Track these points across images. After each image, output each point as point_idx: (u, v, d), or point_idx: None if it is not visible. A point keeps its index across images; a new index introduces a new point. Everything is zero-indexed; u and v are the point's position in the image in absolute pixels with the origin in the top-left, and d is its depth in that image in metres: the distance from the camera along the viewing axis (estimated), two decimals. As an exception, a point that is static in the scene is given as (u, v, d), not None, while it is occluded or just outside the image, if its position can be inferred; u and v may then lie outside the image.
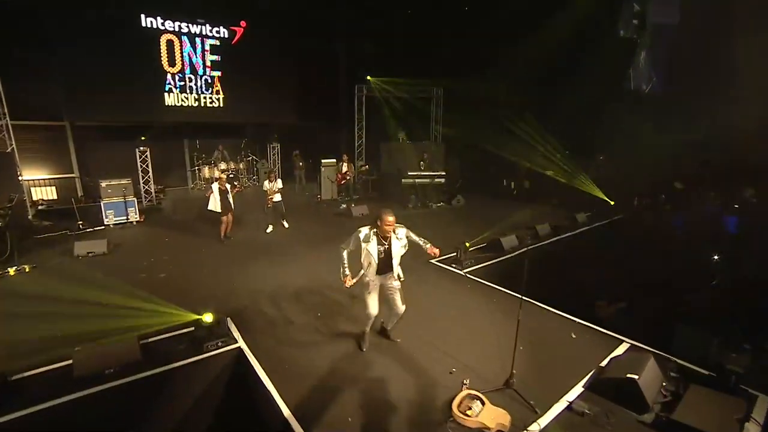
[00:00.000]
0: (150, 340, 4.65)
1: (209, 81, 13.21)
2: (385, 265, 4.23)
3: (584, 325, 5.18)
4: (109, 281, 6.28)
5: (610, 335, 4.91)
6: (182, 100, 12.79)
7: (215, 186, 8.32)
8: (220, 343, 4.51)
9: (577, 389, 3.90)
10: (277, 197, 9.12)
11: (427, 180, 11.68)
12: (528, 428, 3.38)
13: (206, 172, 11.49)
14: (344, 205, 11.86)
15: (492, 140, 13.52)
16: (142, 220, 9.97)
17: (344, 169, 11.58)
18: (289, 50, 14.20)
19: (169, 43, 12.38)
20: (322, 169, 12.91)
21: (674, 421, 3.26)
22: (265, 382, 3.97)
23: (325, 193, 13.09)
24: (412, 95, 14.38)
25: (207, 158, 11.69)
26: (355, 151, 14.82)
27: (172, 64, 12.53)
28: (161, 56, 12.26)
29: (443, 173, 11.71)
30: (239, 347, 4.55)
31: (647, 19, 11.98)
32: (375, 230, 4.13)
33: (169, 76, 12.49)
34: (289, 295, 5.96)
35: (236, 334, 4.77)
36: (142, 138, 11.73)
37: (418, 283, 6.37)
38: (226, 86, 13.43)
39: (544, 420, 3.49)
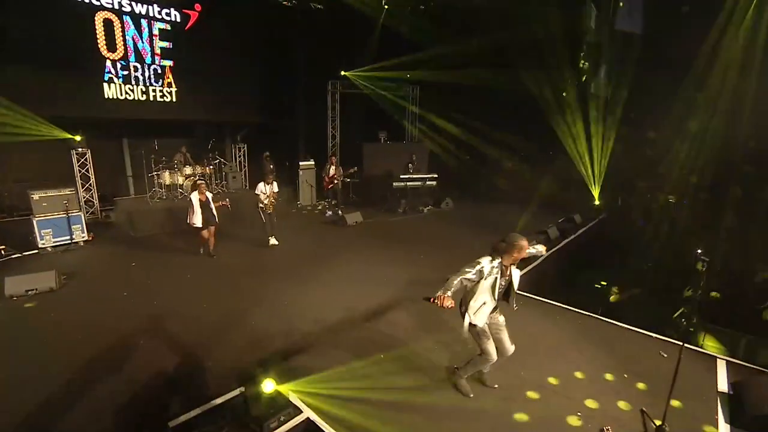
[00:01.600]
0: (180, 420, 3.28)
1: (159, 71, 11.06)
2: (500, 302, 3.54)
3: (660, 339, 4.80)
4: (73, 336, 4.56)
5: (697, 350, 4.57)
6: (126, 93, 10.55)
7: (194, 197, 6.77)
8: (282, 418, 3.30)
9: (723, 427, 3.41)
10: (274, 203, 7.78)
11: (419, 183, 10.92)
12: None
13: (167, 177, 9.51)
14: (330, 212, 10.65)
15: (472, 141, 13.23)
16: (91, 239, 7.87)
17: (331, 172, 10.36)
18: (252, 39, 12.47)
19: (108, 23, 10.06)
20: (300, 172, 11.55)
21: None
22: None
23: (304, 199, 11.75)
24: (389, 92, 13.52)
25: (168, 161, 9.69)
26: (328, 152, 13.55)
27: (111, 48, 10.21)
28: (97, 38, 9.94)
29: (435, 176, 11.03)
30: (307, 419, 3.38)
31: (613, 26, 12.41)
32: (499, 261, 3.39)
33: (108, 63, 10.18)
34: (329, 333, 4.80)
35: (296, 400, 3.56)
36: (77, 138, 9.38)
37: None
38: (179, 78, 11.36)
39: (723, 476, 2.92)
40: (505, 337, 3.61)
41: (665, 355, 4.47)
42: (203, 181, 7.18)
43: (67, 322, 4.85)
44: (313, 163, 11.77)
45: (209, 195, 6.99)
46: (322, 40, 12.65)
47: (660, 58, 11.52)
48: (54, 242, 7.40)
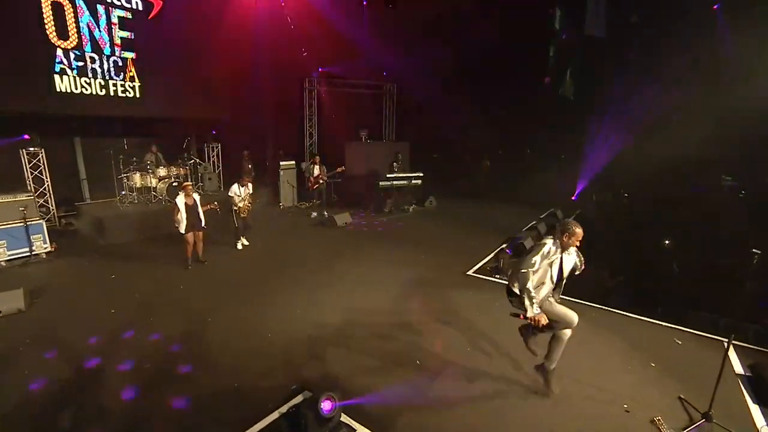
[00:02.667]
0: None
1: (120, 64, 10.02)
2: (557, 287, 3.49)
3: (665, 326, 5.04)
4: (60, 367, 3.94)
5: (704, 335, 4.84)
6: (82, 86, 9.44)
7: (180, 199, 6.18)
8: (338, 439, 3.04)
9: (753, 408, 3.60)
10: (249, 206, 7.34)
11: (405, 182, 10.80)
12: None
13: (138, 180, 8.62)
14: (315, 213, 10.25)
15: (451, 137, 13.35)
16: (54, 249, 6.93)
17: (316, 172, 9.94)
18: (223, 32, 11.67)
19: (56, 6, 8.92)
20: (281, 172, 11.02)
21: None
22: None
23: (286, 200, 11.22)
24: (365, 89, 13.32)
25: (138, 162, 8.79)
26: (306, 151, 13.07)
27: (63, 36, 9.07)
28: (45, 24, 8.79)
29: (420, 174, 10.96)
30: (361, 436, 3.13)
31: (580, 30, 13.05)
32: (559, 243, 3.35)
33: (59, 52, 9.04)
34: (352, 340, 4.53)
35: (347, 419, 3.29)
36: (26, 137, 8.27)
37: (484, 303, 5.52)
38: (143, 72, 10.37)
39: (774, 456, 3.07)
40: (563, 309, 3.46)
41: (679, 342, 4.70)
42: (190, 183, 6.56)
43: (47, 348, 4.18)
44: (294, 163, 11.28)
45: (197, 197, 6.41)
46: (296, 35, 12.16)
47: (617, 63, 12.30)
48: (9, 255, 6.43)
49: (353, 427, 3.19)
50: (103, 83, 9.70)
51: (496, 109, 12.65)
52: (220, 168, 11.56)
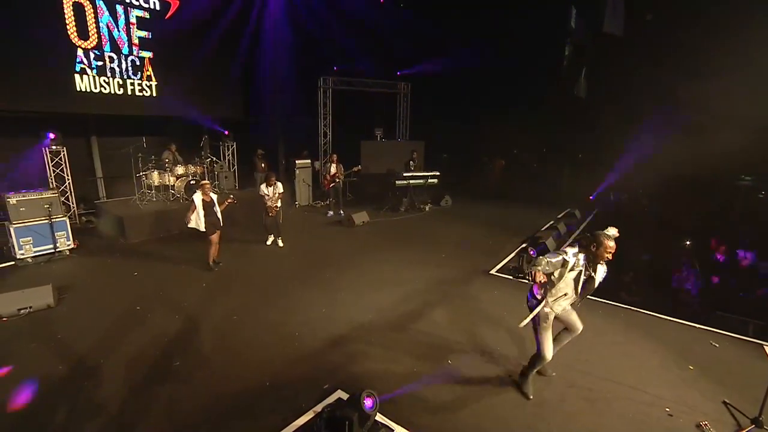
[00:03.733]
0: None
1: (137, 63, 10.08)
2: (580, 296, 3.41)
3: (705, 329, 4.93)
4: (93, 360, 3.95)
5: (739, 338, 4.72)
6: (101, 86, 9.51)
7: (197, 197, 6.12)
8: (378, 438, 2.98)
9: (800, 412, 3.48)
10: (278, 204, 7.32)
11: (422, 181, 10.73)
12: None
13: (156, 178, 8.66)
14: (331, 212, 10.22)
15: (467, 137, 13.25)
16: (76, 246, 6.98)
17: (333, 170, 9.91)
18: (238, 31, 11.71)
19: (78, 7, 9.00)
20: (297, 171, 11.01)
21: None
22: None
23: (302, 199, 11.21)
24: (379, 89, 13.29)
25: (157, 161, 8.83)
26: (320, 150, 13.06)
27: (83, 36, 9.16)
28: (66, 24, 8.88)
29: (437, 173, 10.88)
30: (399, 436, 3.08)
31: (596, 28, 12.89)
32: (584, 255, 3.26)
33: (80, 52, 9.12)
34: (380, 339, 4.48)
35: (382, 418, 3.24)
36: (52, 136, 8.35)
37: (510, 302, 5.44)
38: (159, 71, 10.43)
39: (828, 463, 2.95)
40: (574, 317, 3.56)
41: (716, 345, 4.58)
42: (208, 181, 6.53)
43: (79, 344, 4.19)
44: (309, 161, 11.26)
45: (214, 196, 6.35)
46: (313, 35, 12.16)
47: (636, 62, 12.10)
48: (35, 252, 6.48)
49: (390, 427, 3.14)
50: (121, 82, 9.77)
51: (512, 108, 12.51)
52: (236, 167, 11.58)
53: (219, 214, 6.27)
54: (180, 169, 8.90)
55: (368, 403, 2.89)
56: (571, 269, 3.24)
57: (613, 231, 3.30)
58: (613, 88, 12.57)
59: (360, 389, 3.17)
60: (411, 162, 10.85)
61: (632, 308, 5.41)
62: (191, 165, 9.12)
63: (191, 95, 10.75)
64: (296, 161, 10.97)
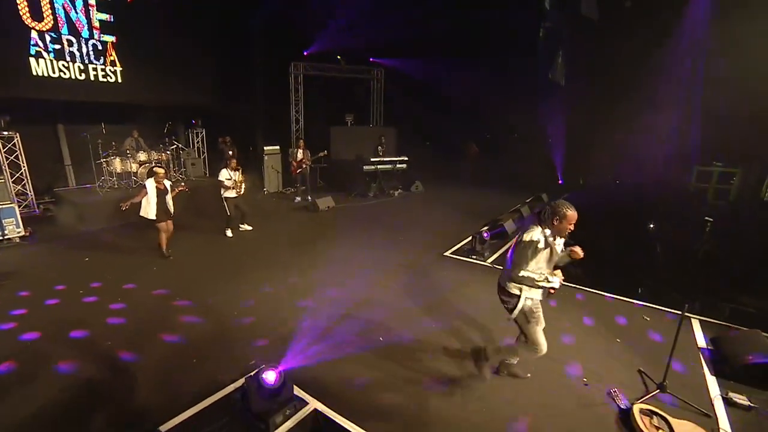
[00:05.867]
0: (173, 423, 2.90)
1: (100, 48, 9.84)
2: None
3: (638, 304, 5.05)
4: (36, 344, 3.94)
5: (667, 311, 4.85)
6: (60, 70, 9.27)
7: (150, 183, 6.04)
8: (288, 412, 3.03)
9: (710, 379, 3.61)
10: (242, 190, 7.27)
11: (390, 166, 10.73)
12: (721, 439, 2.92)
13: (118, 165, 8.53)
14: (299, 198, 10.19)
15: (437, 123, 13.23)
16: (28, 234, 6.89)
17: (300, 156, 9.86)
18: (205, 15, 11.46)
19: (28, -16, 8.73)
20: (265, 157, 10.92)
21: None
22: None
23: (270, 185, 11.15)
24: (351, 74, 13.17)
25: (118, 147, 8.69)
26: (293, 136, 12.95)
27: (37, 17, 8.88)
28: (17, 3, 8.59)
29: (405, 158, 10.89)
30: (314, 410, 3.13)
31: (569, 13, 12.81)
32: (549, 231, 2.92)
33: (34, 34, 8.86)
34: (324, 320, 4.51)
35: (300, 392, 3.29)
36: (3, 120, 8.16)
37: (458, 282, 5.51)
38: (124, 57, 10.19)
39: (724, 424, 3.07)
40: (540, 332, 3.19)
41: (647, 319, 4.70)
42: (162, 167, 6.42)
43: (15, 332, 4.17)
44: (278, 148, 11.17)
45: (168, 183, 6.25)
46: (281, 19, 11.96)
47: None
48: (-19, 239, 6.40)
49: (306, 400, 3.19)
50: (82, 67, 9.53)
51: (484, 93, 12.49)
52: (205, 154, 11.47)
53: (170, 204, 6.19)
54: (142, 156, 8.79)
55: (270, 377, 2.92)
56: (543, 248, 2.91)
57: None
58: (588, 73, 12.60)
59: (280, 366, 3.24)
60: (379, 147, 10.83)
61: (570, 284, 5.52)
62: (155, 151, 9.00)
63: (158, 81, 10.58)
64: (264, 147, 10.88)
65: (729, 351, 3.74)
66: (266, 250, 6.66)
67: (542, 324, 3.13)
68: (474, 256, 6.45)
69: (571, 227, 2.87)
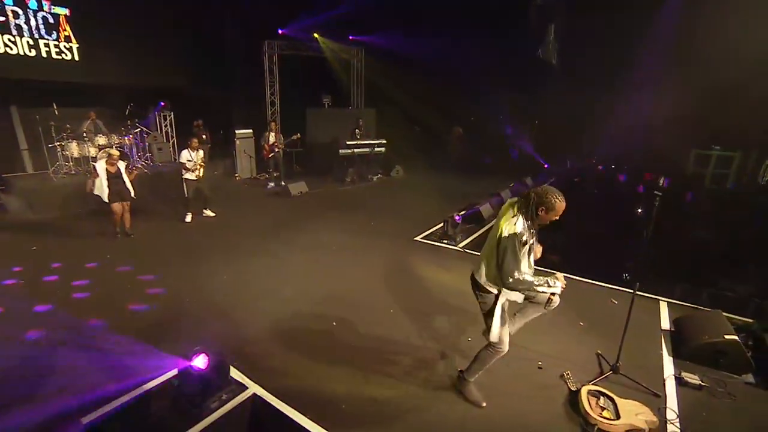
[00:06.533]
0: (98, 414, 2.89)
1: (51, 21, 9.53)
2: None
3: (611, 288, 5.12)
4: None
5: (644, 295, 4.92)
6: (6, 45, 8.94)
7: (101, 165, 5.99)
8: (225, 397, 3.04)
9: (667, 359, 3.69)
10: (201, 173, 7.19)
11: (367, 150, 10.66)
12: (668, 418, 2.99)
13: (75, 149, 8.35)
14: (272, 184, 10.11)
15: (421, 105, 13.15)
16: (-28, 223, 6.75)
17: (271, 139, 9.73)
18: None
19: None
20: (237, 142, 10.78)
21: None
22: (325, 440, 2.77)
23: (243, 171, 11.03)
24: (331, 54, 12.97)
25: (73, 130, 8.49)
26: (268, 119, 12.78)
27: (-27, -16, 8.55)
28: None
29: (383, 141, 10.82)
30: (253, 395, 3.14)
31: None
32: (528, 220, 2.64)
33: (-30, 2, 8.53)
34: (278, 306, 4.52)
35: (240, 377, 3.29)
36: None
37: (423, 266, 5.53)
38: (81, 31, 9.89)
39: (672, 403, 3.14)
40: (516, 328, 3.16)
41: (615, 302, 4.77)
42: (117, 151, 6.30)
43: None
44: (251, 131, 11.01)
45: (122, 165, 6.19)
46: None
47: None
48: None
49: (245, 384, 3.20)
50: (32, 42, 9.24)
51: (468, 74, 12.41)
52: (174, 138, 11.28)
53: (128, 185, 6.14)
54: (101, 140, 8.60)
55: (199, 362, 2.91)
56: (525, 242, 2.64)
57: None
58: (578, 55, 12.54)
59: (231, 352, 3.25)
60: (357, 130, 10.75)
61: (541, 269, 5.58)
62: (116, 135, 8.81)
63: (120, 60, 10.31)
64: (236, 131, 10.72)
65: (687, 332, 3.82)
66: (226, 236, 6.62)
67: (508, 325, 2.91)
68: (445, 241, 6.47)
69: (557, 219, 2.64)
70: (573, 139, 12.09)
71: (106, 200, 6.01)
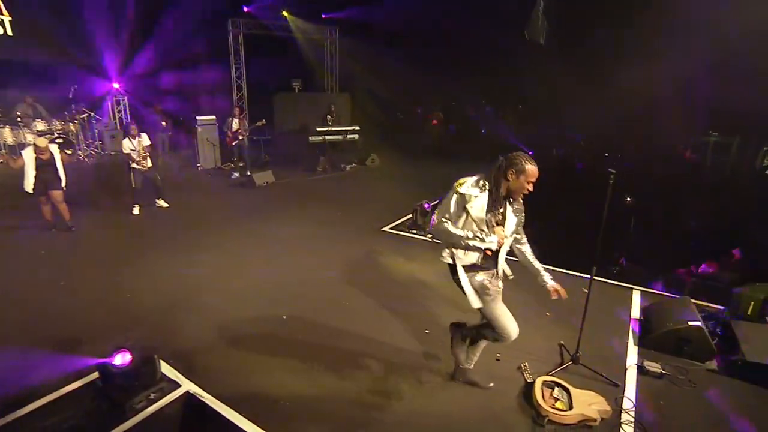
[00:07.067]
0: (18, 414, 2.84)
1: (-23, -10, 9.23)
2: (495, 252, 2.70)
3: (583, 277, 5.19)
4: None
5: (616, 284, 5.02)
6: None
7: (28, 153, 5.81)
8: (153, 396, 3.01)
9: (632, 349, 3.78)
10: (148, 162, 7.07)
11: (339, 137, 10.62)
12: (623, 407, 3.05)
13: (8, 135, 8.11)
14: (237, 174, 10.00)
15: (400, 90, 13.13)
16: None
17: (235, 126, 9.62)
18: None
19: None
20: (199, 129, 10.62)
21: (751, 363, 3.32)
22: (258, 438, 2.77)
23: (206, 161, 10.89)
24: (302, 35, 12.86)
25: (6, 114, 8.25)
26: (233, 105, 12.64)
27: None
28: None
29: (357, 128, 10.79)
30: (187, 392, 3.11)
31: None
32: (491, 187, 2.58)
33: None
34: (223, 301, 4.49)
35: (173, 374, 3.27)
36: None
37: (383, 254, 5.57)
38: (12, 3, 9.55)
39: (630, 392, 3.21)
40: (506, 315, 2.88)
41: (586, 291, 4.84)
42: (44, 140, 6.05)
43: None
44: (213, 118, 10.86)
45: (55, 150, 5.98)
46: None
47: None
48: None
49: (178, 381, 3.17)
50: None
51: (451, 55, 12.42)
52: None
53: (62, 173, 5.99)
54: (40, 125, 8.39)
55: (119, 360, 2.88)
56: (473, 203, 2.54)
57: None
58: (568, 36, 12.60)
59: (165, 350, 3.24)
60: (328, 116, 10.69)
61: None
62: (58, 120, 8.59)
63: (61, 36, 9.99)
64: (197, 117, 10.57)
65: (654, 320, 3.91)
66: (177, 228, 6.58)
67: (505, 310, 2.82)
68: (414, 231, 6.51)
69: (530, 187, 2.54)
70: (560, 123, 12.17)
71: (30, 191, 5.82)
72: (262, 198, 8.44)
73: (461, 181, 2.61)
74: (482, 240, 2.52)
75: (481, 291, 2.73)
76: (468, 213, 2.57)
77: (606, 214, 3.29)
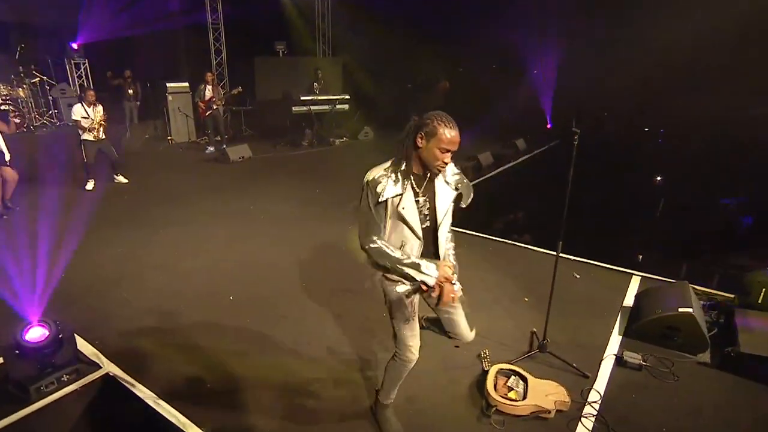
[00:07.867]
0: None
1: None
2: (428, 243, 2.30)
3: (581, 261, 5.13)
4: None
5: (615, 269, 4.95)
6: None
7: None
8: (66, 378, 3.08)
9: (615, 338, 3.73)
10: (101, 133, 7.17)
11: (327, 107, 10.58)
12: (588, 399, 3.02)
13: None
14: (212, 148, 10.07)
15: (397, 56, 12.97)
16: None
17: (208, 94, 9.65)
18: None
19: None
20: (170, 98, 10.70)
21: (747, 355, 3.24)
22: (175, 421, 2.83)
23: (178, 134, 10.99)
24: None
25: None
26: (214, 73, 12.67)
27: None
28: None
29: (347, 97, 10.73)
30: (106, 374, 3.19)
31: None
32: (400, 171, 2.13)
33: None
34: (173, 280, 4.58)
35: (95, 355, 3.35)
36: None
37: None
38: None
39: (600, 384, 3.18)
40: (458, 317, 2.62)
41: (578, 276, 4.80)
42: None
43: None
44: (187, 85, 10.93)
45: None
46: None
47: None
48: None
49: (99, 363, 3.25)
50: None
51: (455, 18, 12.19)
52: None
53: (3, 145, 6.08)
54: (-15, 91, 8.53)
55: (33, 334, 2.96)
56: (390, 199, 2.10)
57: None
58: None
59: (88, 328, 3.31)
60: (315, 84, 10.64)
61: (503, 240, 5.65)
62: (3, 85, 8.68)
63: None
64: (168, 84, 10.63)
65: (643, 307, 3.84)
66: (135, 205, 6.72)
67: (415, 328, 2.47)
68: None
69: (446, 158, 2.05)
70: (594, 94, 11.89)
71: None
72: (236, 174, 8.51)
73: (371, 170, 2.16)
74: (421, 271, 2.09)
75: (395, 306, 2.41)
76: (388, 211, 2.13)
77: (570, 186, 3.21)
